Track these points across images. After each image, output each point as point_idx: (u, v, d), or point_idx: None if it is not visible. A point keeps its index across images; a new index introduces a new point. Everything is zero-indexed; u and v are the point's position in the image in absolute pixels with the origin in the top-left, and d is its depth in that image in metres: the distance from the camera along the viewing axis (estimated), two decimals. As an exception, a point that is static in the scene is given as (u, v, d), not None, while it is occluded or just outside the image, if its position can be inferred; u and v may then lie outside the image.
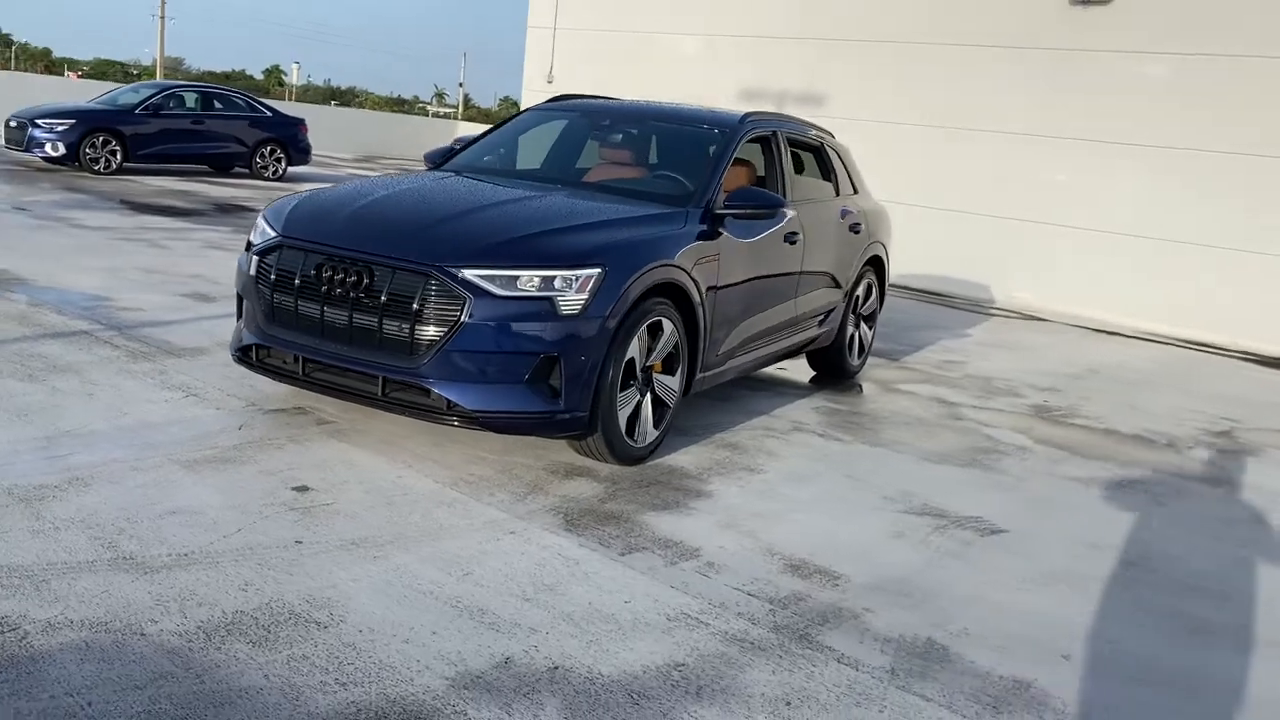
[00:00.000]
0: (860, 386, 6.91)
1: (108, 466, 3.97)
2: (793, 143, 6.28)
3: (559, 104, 6.35)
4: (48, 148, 14.68)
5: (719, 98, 13.31)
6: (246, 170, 16.92)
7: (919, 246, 12.13)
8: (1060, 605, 3.71)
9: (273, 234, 4.53)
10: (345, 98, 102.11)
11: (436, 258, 4.14)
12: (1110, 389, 7.82)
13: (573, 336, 4.17)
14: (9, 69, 71.91)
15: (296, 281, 4.34)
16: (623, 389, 4.47)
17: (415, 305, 4.10)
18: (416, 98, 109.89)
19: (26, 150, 14.89)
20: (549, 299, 4.13)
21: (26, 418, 4.42)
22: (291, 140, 17.33)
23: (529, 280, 4.13)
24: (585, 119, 6.10)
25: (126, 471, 3.95)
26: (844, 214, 6.56)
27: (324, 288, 4.26)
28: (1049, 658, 3.29)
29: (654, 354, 4.65)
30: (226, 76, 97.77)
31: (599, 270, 4.24)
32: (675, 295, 4.71)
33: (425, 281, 4.10)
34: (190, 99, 16.47)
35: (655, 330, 4.62)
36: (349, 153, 28.59)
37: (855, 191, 7.00)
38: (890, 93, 12.82)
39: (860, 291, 6.85)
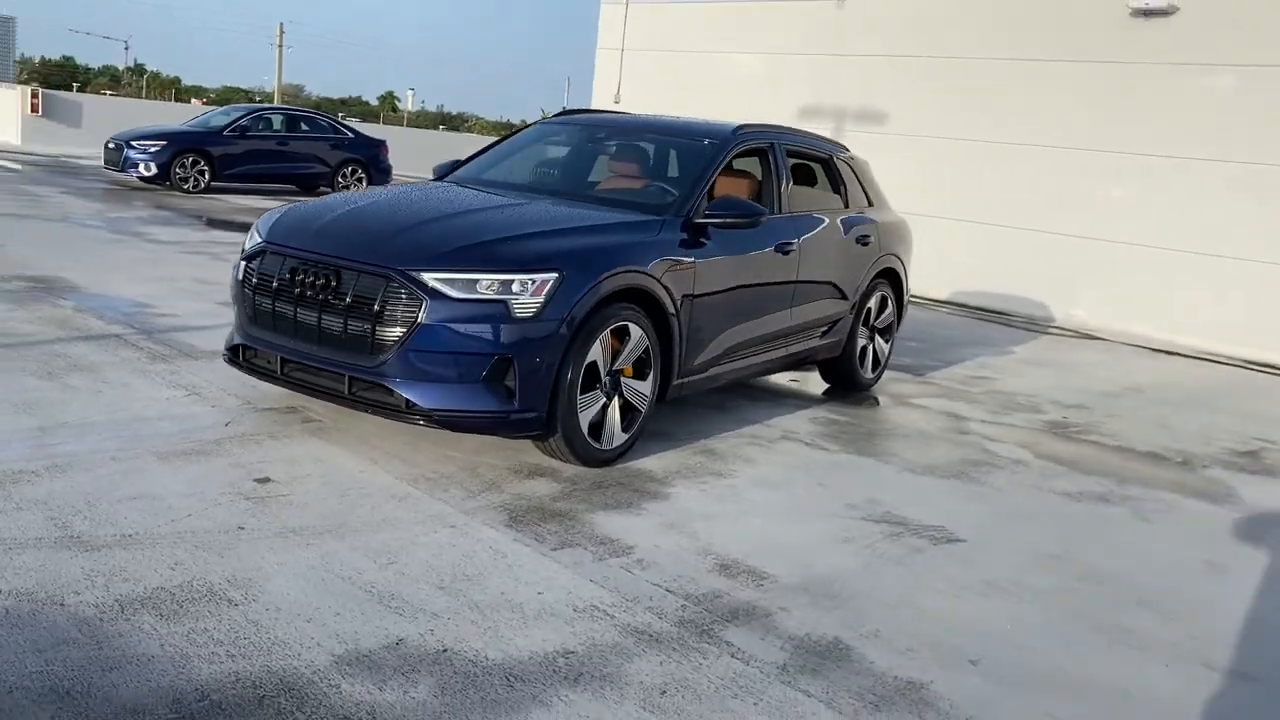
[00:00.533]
0: (876, 399, 6.87)
1: (89, 456, 4.23)
2: (796, 155, 6.33)
3: (564, 118, 6.51)
4: (141, 168, 15.48)
5: (779, 116, 13.34)
6: (329, 189, 17.53)
7: (976, 264, 11.99)
8: (988, 613, 3.67)
9: (258, 240, 4.77)
10: (455, 122, 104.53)
11: (397, 261, 4.31)
12: (1145, 407, 7.61)
13: (527, 338, 4.29)
14: (140, 97, 75.69)
15: (274, 284, 4.56)
16: (586, 391, 4.57)
17: (376, 307, 4.27)
18: (524, 121, 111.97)
19: (122, 170, 15.73)
20: (503, 302, 4.26)
21: (30, 410, 4.72)
22: (372, 160, 17.92)
23: (485, 284, 4.27)
24: (585, 132, 6.25)
25: (104, 461, 4.20)
26: (851, 226, 6.56)
27: (297, 290, 4.47)
28: (955, 662, 3.27)
29: (621, 358, 4.73)
30: (343, 102, 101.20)
31: (555, 275, 4.36)
32: (645, 301, 4.79)
33: (386, 284, 4.27)
34: (276, 121, 17.18)
35: (623, 335, 4.70)
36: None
37: (870, 204, 6.99)
38: (950, 109, 12.68)
39: (872, 304, 6.83)
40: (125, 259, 9.10)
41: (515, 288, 4.29)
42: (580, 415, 4.56)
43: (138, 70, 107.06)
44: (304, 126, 17.52)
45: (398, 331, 4.25)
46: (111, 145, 15.97)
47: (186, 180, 15.68)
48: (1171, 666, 3.41)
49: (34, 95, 22.63)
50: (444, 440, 4.82)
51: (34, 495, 3.78)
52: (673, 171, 5.76)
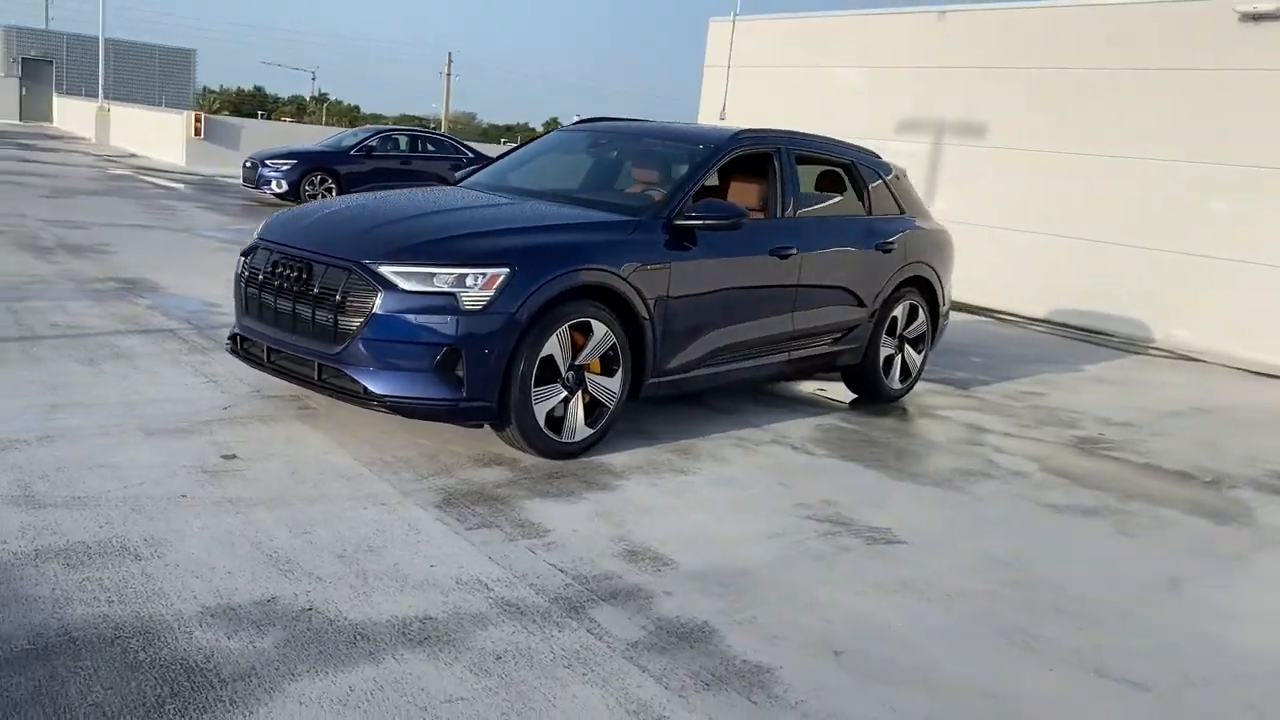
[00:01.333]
0: (904, 410, 6.77)
1: (83, 430, 4.62)
2: (810, 161, 6.33)
3: (579, 126, 6.70)
4: (273, 185, 16.48)
5: (877, 129, 13.26)
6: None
7: (1076, 281, 11.60)
8: (887, 610, 3.63)
9: (254, 237, 5.12)
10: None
11: (358, 254, 4.57)
12: (1202, 428, 7.23)
13: (475, 330, 4.48)
14: (319, 124, 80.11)
15: (260, 278, 4.90)
16: (543, 384, 4.71)
17: (339, 297, 4.54)
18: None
19: (258, 187, 16.79)
20: (453, 295, 4.46)
21: (55, 390, 5.18)
22: (491, 178, 18.51)
23: (436, 277, 4.48)
24: (592, 139, 6.43)
25: (94, 434, 4.59)
26: (871, 233, 6.51)
27: (277, 283, 4.79)
28: (819, 652, 3.27)
29: (585, 354, 4.86)
30: (508, 129, 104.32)
31: (506, 270, 4.53)
32: (611, 300, 4.91)
33: (348, 276, 4.54)
34: (402, 141, 18.02)
35: (586, 331, 4.83)
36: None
37: (902, 212, 6.90)
38: (1051, 121, 12.30)
39: (899, 313, 6.73)
40: (218, 265, 9.74)
41: (466, 282, 4.48)
42: (536, 407, 4.69)
43: (320, 99, 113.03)
44: (428, 146, 18.30)
45: (357, 321, 4.50)
46: (248, 164, 17.07)
47: (315, 197, 16.59)
48: (1056, 671, 3.31)
49: (197, 120, 24.36)
50: (421, 429, 5.04)
51: (13, 460, 4.16)
52: (664, 176, 5.86)
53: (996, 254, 12.49)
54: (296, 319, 4.71)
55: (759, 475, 5.01)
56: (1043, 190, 12.29)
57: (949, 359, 8.65)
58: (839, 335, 6.34)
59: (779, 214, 5.96)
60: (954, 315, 11.45)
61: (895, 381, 6.85)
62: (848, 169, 6.64)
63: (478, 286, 4.49)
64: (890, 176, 6.94)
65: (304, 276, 4.67)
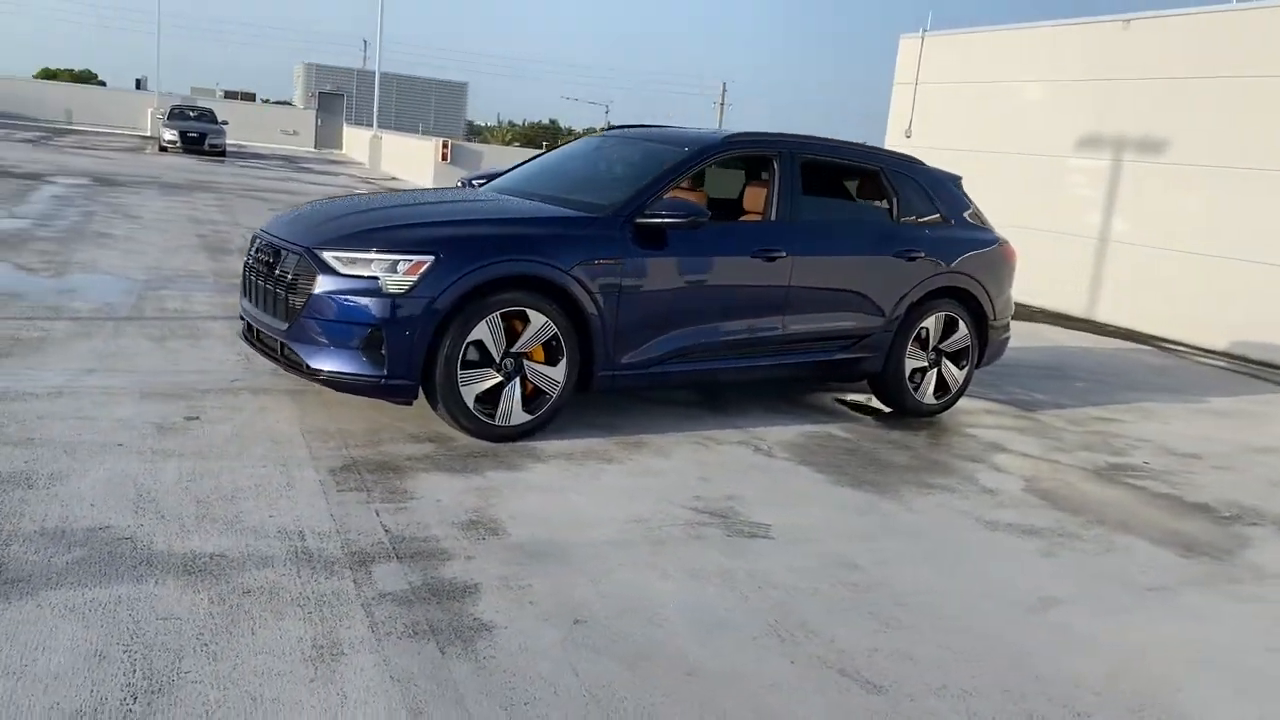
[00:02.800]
0: (934, 425, 6.54)
1: (91, 390, 5.33)
2: (821, 166, 6.29)
3: (605, 133, 6.94)
4: (476, 201, 17.61)
5: (1058, 143, 12.65)
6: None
7: (1269, 311, 10.54)
8: (681, 593, 3.63)
9: (258, 229, 5.72)
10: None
11: (308, 240, 5.04)
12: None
13: (398, 313, 4.82)
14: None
15: (250, 263, 5.47)
16: (474, 368, 4.99)
17: (290, 278, 5.02)
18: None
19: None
20: (379, 279, 4.84)
21: (104, 358, 5.96)
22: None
23: (372, 263, 4.87)
24: (601, 143, 6.65)
25: (97, 394, 5.28)
26: (892, 240, 6.34)
27: (258, 267, 5.34)
28: (558, 621, 3.35)
29: (522, 342, 5.09)
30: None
31: (431, 257, 4.86)
32: (552, 291, 5.12)
33: (298, 260, 5.01)
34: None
35: (524, 320, 5.07)
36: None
37: (945, 221, 6.67)
38: (1243, 136, 11.23)
39: (930, 325, 6.50)
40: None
41: (396, 268, 4.83)
42: (463, 389, 4.97)
43: (555, 129, 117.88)
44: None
45: (301, 301, 4.96)
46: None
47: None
48: (797, 664, 3.24)
49: (444, 145, 26.36)
50: (394, 410, 5.39)
51: (7, 408, 4.89)
52: (645, 175, 5.96)
53: (1173, 278, 11.55)
54: (267, 299, 5.23)
55: (688, 470, 5.04)
56: (1235, 210, 11.23)
57: (1044, 381, 8.21)
58: (849, 342, 6.20)
59: (773, 216, 5.93)
60: (1102, 342, 10.73)
61: (928, 396, 6.58)
62: (872, 175, 6.50)
63: (402, 272, 4.82)
64: (932, 184, 6.70)
65: (272, 261, 5.17)
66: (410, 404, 5.15)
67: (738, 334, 5.77)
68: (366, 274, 4.84)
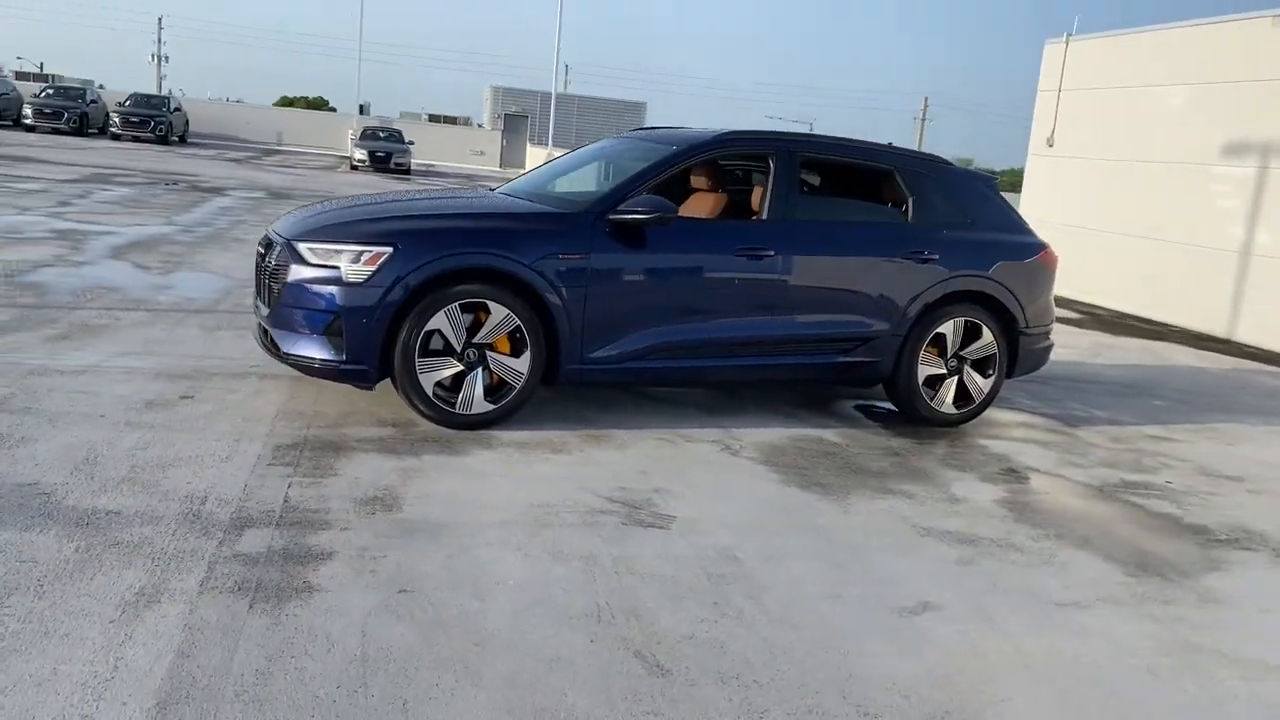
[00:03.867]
0: (949, 435, 6.30)
1: (113, 370, 5.83)
2: (824, 165, 6.21)
3: (628, 134, 7.04)
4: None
5: (1199, 151, 11.91)
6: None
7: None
8: (523, 572, 3.69)
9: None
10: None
11: (290, 234, 5.38)
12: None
13: (356, 301, 5.08)
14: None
15: (257, 258, 5.88)
16: (434, 356, 5.19)
17: (273, 268, 5.37)
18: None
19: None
20: (340, 269, 5.12)
21: (147, 344, 6.50)
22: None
23: (337, 253, 5.15)
24: (611, 144, 6.74)
25: (117, 373, 5.77)
26: (901, 240, 6.16)
27: (257, 259, 5.73)
28: (384, 590, 3.47)
29: (484, 333, 5.27)
30: (992, 171, 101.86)
31: (390, 249, 5.10)
32: (514, 284, 5.27)
33: (279, 251, 5.36)
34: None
35: (486, 311, 5.24)
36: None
37: (971, 223, 6.44)
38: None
39: (947, 330, 6.26)
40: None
41: (351, 258, 5.10)
42: (422, 376, 5.17)
43: None
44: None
45: (279, 288, 5.30)
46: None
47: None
48: (596, 643, 3.25)
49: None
50: (373, 397, 5.66)
51: (28, 382, 5.43)
52: (627, 174, 6.01)
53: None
54: (260, 288, 5.60)
55: (633, 464, 5.06)
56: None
57: (1116, 399, 7.78)
58: (850, 345, 6.05)
59: (765, 215, 5.88)
60: (1223, 362, 9.95)
61: (946, 405, 6.34)
62: (885, 175, 6.33)
63: (363, 263, 5.08)
64: (958, 185, 6.47)
65: (264, 252, 5.54)
66: (371, 389, 5.39)
67: (721, 333, 5.73)
68: (332, 264, 5.11)
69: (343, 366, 5.12)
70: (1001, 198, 6.71)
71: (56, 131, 34.26)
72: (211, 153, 33.72)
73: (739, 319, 5.76)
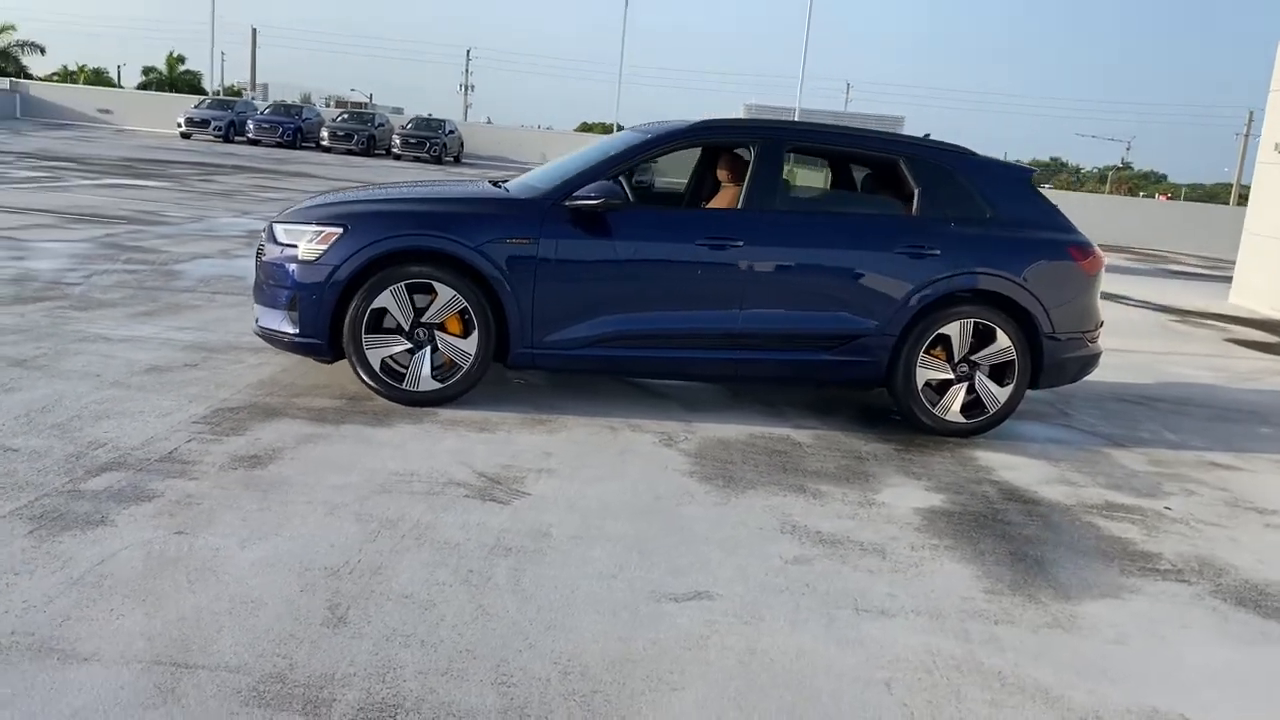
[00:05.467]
0: (948, 444, 5.91)
1: (154, 339, 6.50)
2: (819, 155, 6.00)
3: (636, 126, 7.02)
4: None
5: None
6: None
7: None
8: (314, 526, 3.84)
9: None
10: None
11: (273, 218, 5.82)
12: None
13: (307, 278, 5.43)
14: (1098, 193, 78.68)
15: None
16: (382, 333, 5.47)
17: (260, 249, 5.83)
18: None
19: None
20: (297, 246, 5.49)
21: (208, 323, 7.19)
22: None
23: (300, 234, 5.53)
24: (622, 135, 6.74)
25: (154, 342, 6.42)
26: (898, 233, 5.83)
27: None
28: (164, 533, 3.76)
29: (431, 313, 5.48)
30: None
31: (340, 229, 5.42)
32: (459, 266, 5.46)
33: (265, 232, 5.82)
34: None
35: (432, 292, 5.46)
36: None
37: (992, 218, 6.00)
38: None
39: (952, 332, 5.85)
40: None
41: (308, 238, 5.46)
42: (369, 353, 5.44)
43: (1123, 168, 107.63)
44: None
45: (257, 266, 5.75)
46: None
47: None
48: (305, 592, 3.36)
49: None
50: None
51: (68, 346, 6.16)
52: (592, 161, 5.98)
53: None
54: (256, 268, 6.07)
55: (546, 447, 5.08)
56: None
57: (1216, 423, 6.99)
58: (832, 344, 5.78)
59: (739, 205, 5.75)
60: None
61: (952, 414, 5.90)
62: (888, 165, 5.99)
63: (315, 242, 5.42)
64: (980, 177, 6.01)
65: (263, 236, 6.02)
66: (330, 362, 5.67)
67: (683, 325, 5.63)
68: (293, 243, 5.48)
69: (298, 340, 5.45)
70: (1036, 191, 6.16)
71: (349, 152, 37.72)
72: (475, 172, 36.03)
73: (702, 311, 5.63)
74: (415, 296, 5.45)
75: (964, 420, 5.90)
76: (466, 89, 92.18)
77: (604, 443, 5.22)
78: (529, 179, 6.13)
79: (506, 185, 6.07)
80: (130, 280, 8.48)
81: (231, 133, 37.39)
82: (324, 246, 5.35)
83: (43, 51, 59.69)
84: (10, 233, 10.59)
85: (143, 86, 63.78)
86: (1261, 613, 3.89)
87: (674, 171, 7.19)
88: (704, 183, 6.73)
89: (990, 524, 4.58)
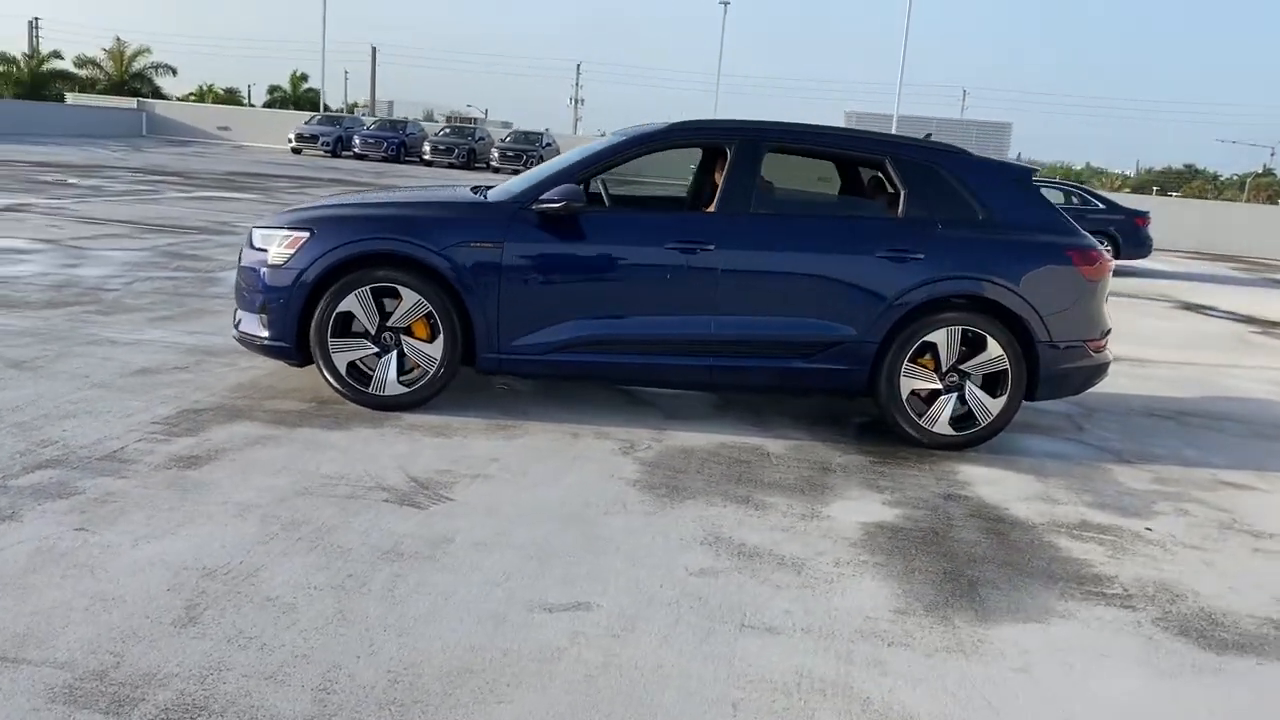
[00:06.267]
0: (933, 456, 5.66)
1: (159, 343, 6.69)
2: (800, 156, 5.82)
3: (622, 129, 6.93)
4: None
5: None
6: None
7: None
8: (219, 525, 3.85)
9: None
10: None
11: (255, 224, 5.93)
12: None
13: (276, 282, 5.49)
14: (1206, 198, 75.20)
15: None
16: (348, 337, 5.51)
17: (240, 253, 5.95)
18: None
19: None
20: (267, 251, 5.57)
21: (219, 329, 7.37)
22: (1127, 233, 16.93)
23: (271, 239, 5.62)
24: (612, 138, 6.65)
25: (156, 345, 6.61)
26: (878, 236, 5.62)
27: (251, 250, 6.33)
28: (67, 525, 3.83)
29: (397, 317, 5.50)
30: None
31: (307, 234, 5.48)
32: (424, 271, 5.46)
33: (245, 237, 5.93)
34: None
35: (397, 296, 5.48)
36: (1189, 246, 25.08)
37: (985, 220, 5.74)
38: None
39: (938, 339, 5.60)
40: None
41: (278, 243, 5.53)
42: (335, 356, 5.48)
43: (1263, 175, 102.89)
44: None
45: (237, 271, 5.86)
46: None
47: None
48: (174, 588, 3.39)
49: None
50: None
51: (74, 349, 6.38)
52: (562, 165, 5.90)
53: None
54: (242, 275, 6.16)
55: (492, 453, 5.02)
56: None
57: (1252, 440, 6.56)
58: (809, 351, 5.59)
59: (713, 208, 5.62)
60: None
61: (940, 425, 5.65)
62: (873, 166, 5.78)
63: (283, 246, 5.49)
64: (972, 177, 5.75)
65: (250, 243, 6.13)
66: (298, 365, 5.70)
67: (654, 330, 5.51)
68: (264, 248, 5.55)
69: (268, 343, 5.52)
70: (1035, 192, 5.85)
71: (450, 165, 38.56)
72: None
73: (674, 316, 5.50)
74: (385, 300, 5.44)
75: (953, 433, 5.63)
76: (576, 102, 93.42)
77: (560, 449, 5.13)
78: (509, 184, 6.09)
79: (488, 191, 6.03)
80: (168, 287, 8.74)
81: (339, 148, 38.56)
82: (291, 251, 5.40)
83: (174, 73, 62.87)
84: (80, 242, 11.06)
85: (268, 105, 66.33)
86: (1201, 643, 3.57)
87: (683, 175, 7.08)
88: (704, 186, 6.60)
89: (938, 541, 4.33)
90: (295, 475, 4.45)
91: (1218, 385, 8.28)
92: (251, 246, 5.62)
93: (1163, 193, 68.88)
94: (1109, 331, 5.89)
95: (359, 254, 5.37)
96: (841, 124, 46.44)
